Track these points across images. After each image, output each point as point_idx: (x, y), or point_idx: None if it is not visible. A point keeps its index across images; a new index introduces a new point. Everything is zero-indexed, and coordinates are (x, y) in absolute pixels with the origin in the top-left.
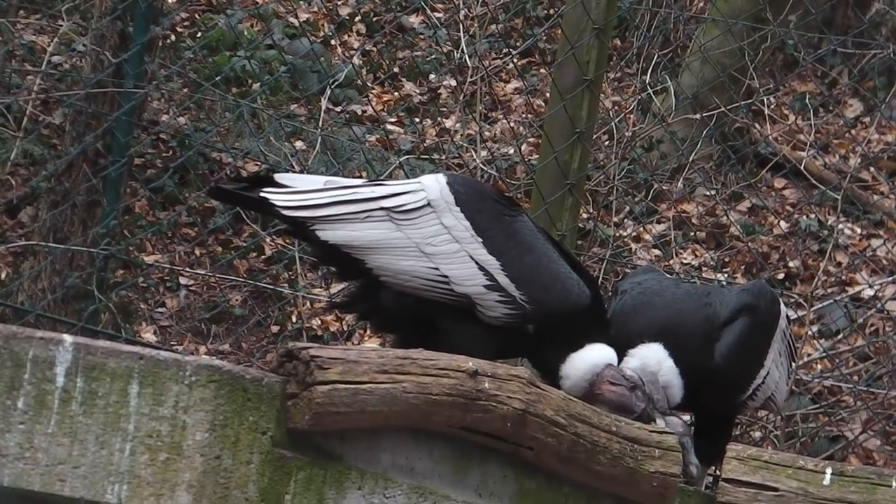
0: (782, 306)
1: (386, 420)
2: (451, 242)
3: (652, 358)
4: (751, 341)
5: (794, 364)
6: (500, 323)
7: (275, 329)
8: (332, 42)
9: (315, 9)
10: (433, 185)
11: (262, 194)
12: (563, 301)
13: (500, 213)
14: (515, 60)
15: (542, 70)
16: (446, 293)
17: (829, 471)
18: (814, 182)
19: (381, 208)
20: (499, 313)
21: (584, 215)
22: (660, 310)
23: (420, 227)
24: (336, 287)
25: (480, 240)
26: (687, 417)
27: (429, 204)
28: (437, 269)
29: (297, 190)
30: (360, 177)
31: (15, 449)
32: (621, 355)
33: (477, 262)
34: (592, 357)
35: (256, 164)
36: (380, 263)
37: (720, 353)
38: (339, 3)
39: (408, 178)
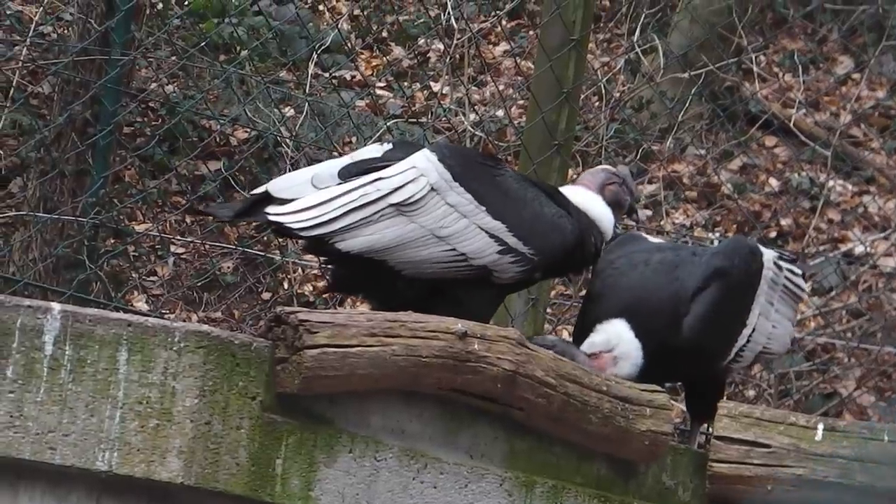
0: (766, 255)
1: (376, 383)
2: (461, 219)
3: (612, 331)
4: (725, 306)
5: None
6: (513, 280)
7: (266, 296)
8: (320, 7)
9: None
10: (428, 166)
11: (271, 218)
12: (563, 241)
13: (491, 175)
14: (503, 22)
15: (531, 32)
16: (464, 268)
17: (820, 426)
18: (804, 139)
19: (391, 205)
20: (512, 273)
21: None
22: (623, 291)
23: (429, 212)
24: None
25: (483, 208)
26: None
27: (432, 188)
28: (453, 249)
29: (304, 207)
30: (350, 142)
31: (4, 418)
32: (585, 336)
33: (486, 232)
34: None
35: (245, 131)
36: (401, 258)
37: (689, 327)
38: None
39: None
